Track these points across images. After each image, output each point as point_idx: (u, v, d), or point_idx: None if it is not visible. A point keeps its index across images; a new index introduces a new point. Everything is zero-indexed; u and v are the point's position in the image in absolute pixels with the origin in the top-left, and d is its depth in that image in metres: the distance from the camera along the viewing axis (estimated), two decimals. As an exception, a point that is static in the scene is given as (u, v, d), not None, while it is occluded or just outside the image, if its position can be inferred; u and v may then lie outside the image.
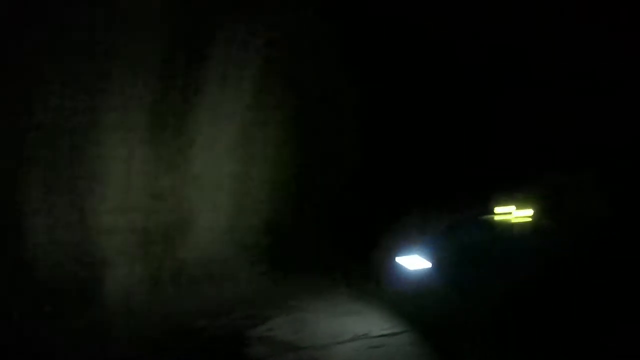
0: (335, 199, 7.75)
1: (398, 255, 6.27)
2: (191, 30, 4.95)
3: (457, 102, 8.39)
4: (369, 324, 5.44)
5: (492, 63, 8.17)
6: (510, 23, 7.60)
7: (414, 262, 6.11)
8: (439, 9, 8.00)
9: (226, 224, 6.17)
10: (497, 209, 7.17)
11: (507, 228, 7.25)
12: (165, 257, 5.13)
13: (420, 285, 6.06)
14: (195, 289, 5.49)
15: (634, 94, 6.49)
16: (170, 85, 4.88)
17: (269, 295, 6.10)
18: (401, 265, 6.22)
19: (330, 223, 7.57)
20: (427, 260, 6.08)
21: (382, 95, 8.19)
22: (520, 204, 7.29)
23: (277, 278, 6.73)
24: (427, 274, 6.09)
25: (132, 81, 4.52)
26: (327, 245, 7.35)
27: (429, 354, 4.91)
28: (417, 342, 5.06)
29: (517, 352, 4.46)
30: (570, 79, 7.22)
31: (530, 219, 7.31)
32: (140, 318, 4.67)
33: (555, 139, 7.34)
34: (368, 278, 6.77)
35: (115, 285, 4.57)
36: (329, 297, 6.20)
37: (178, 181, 5.21)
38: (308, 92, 7.30)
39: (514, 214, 7.26)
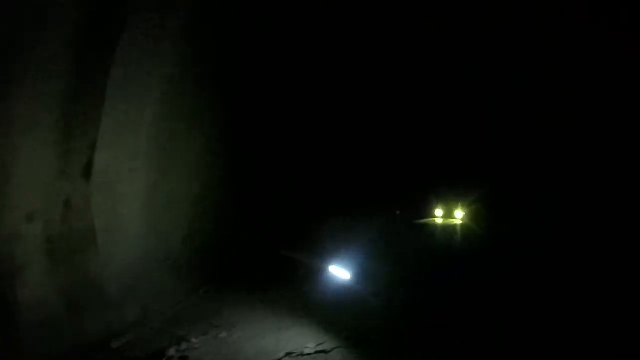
0: (260, 210, 7.65)
1: (327, 265, 6.38)
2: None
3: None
4: (302, 339, 5.13)
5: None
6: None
7: (341, 271, 6.23)
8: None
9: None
10: (428, 214, 7.38)
11: (437, 232, 7.39)
12: (80, 269, 4.85)
13: (347, 294, 6.08)
14: (112, 303, 5.22)
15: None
16: (81, 87, 4.57)
17: (193, 312, 5.89)
18: (330, 275, 6.33)
19: (254, 233, 7.49)
20: (354, 269, 6.20)
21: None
22: (451, 210, 7.51)
23: (201, 293, 6.54)
24: (354, 283, 6.17)
25: (41, 82, 4.21)
26: (252, 255, 7.27)
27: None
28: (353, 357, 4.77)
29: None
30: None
31: (458, 224, 7.51)
32: (52, 333, 4.43)
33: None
34: (296, 290, 6.55)
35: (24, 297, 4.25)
36: (258, 313, 5.88)
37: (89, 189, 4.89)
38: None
39: (444, 218, 7.46)
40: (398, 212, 7.44)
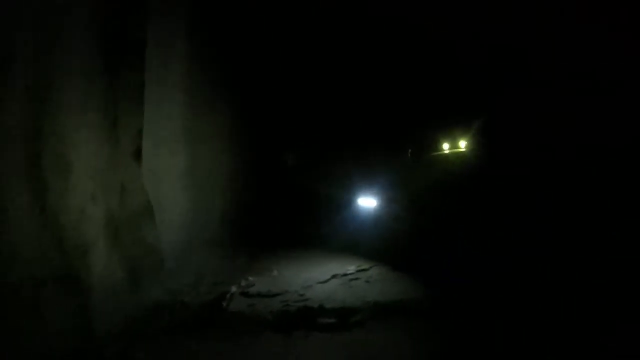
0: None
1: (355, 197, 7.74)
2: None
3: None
4: (344, 266, 6.05)
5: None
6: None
7: (368, 201, 7.68)
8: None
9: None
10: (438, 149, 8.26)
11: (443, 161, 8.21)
12: (139, 242, 5.24)
13: (374, 222, 7.38)
14: (169, 271, 5.62)
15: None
16: (120, 86, 5.05)
17: (240, 274, 6.24)
18: (359, 205, 7.74)
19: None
20: (377, 199, 7.61)
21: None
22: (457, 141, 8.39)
23: (242, 262, 6.92)
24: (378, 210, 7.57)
25: (89, 87, 4.66)
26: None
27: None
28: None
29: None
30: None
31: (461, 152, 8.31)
32: (118, 297, 4.75)
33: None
34: (329, 235, 7.47)
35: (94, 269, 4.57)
36: (301, 261, 6.61)
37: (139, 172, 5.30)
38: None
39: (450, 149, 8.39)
40: (410, 150, 8.32)
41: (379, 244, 6.73)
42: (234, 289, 5.34)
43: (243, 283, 5.54)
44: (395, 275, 5.56)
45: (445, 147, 8.20)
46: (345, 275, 5.63)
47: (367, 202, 7.70)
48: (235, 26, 7.54)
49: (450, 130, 8.30)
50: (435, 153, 8.08)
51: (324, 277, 5.58)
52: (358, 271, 5.74)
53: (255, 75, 8.20)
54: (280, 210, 8.10)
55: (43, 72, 4.11)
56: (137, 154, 5.22)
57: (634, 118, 6.31)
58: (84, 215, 4.50)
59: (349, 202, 7.85)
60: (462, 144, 8.04)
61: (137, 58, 5.24)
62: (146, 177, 5.45)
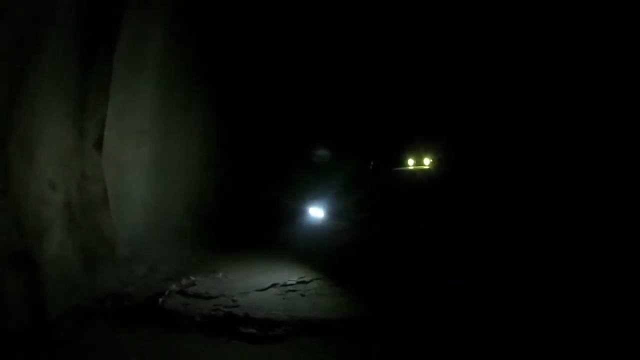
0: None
1: (307, 207, 7.72)
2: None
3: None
4: (287, 276, 5.73)
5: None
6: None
7: (318, 212, 7.73)
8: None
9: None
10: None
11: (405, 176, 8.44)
12: (94, 230, 5.12)
13: (322, 232, 7.32)
14: (123, 261, 5.50)
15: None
16: (89, 76, 4.95)
17: (193, 267, 6.12)
18: (309, 215, 7.73)
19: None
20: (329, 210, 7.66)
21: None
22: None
23: (201, 256, 6.72)
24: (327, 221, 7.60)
25: (57, 74, 4.59)
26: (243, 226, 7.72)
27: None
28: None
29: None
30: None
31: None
32: (71, 284, 4.67)
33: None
34: (282, 243, 7.17)
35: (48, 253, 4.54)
36: (251, 264, 6.33)
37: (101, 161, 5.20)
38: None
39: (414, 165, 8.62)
40: (372, 162, 8.24)
41: (330, 255, 6.36)
42: (173, 286, 5.12)
43: (184, 282, 5.29)
44: (335, 291, 5.12)
45: (410, 162, 8.27)
46: (285, 285, 5.31)
47: (321, 212, 7.58)
48: (216, 22, 7.23)
49: (416, 148, 8.38)
50: (400, 168, 7.99)
51: (264, 286, 5.28)
52: (298, 283, 5.40)
53: (234, 76, 7.89)
54: (243, 212, 7.78)
55: (15, 62, 4.07)
56: (99, 144, 5.16)
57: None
58: (42, 201, 4.50)
59: (308, 211, 7.68)
60: (427, 161, 8.10)
61: (108, 49, 5.13)
62: (110, 167, 5.36)
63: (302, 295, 5.01)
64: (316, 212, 7.57)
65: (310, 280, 5.48)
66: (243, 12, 7.48)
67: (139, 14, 5.67)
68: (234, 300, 4.78)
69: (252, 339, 4.08)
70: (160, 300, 4.76)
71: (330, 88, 8.38)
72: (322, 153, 8.29)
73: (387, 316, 4.37)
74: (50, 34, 4.39)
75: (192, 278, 5.44)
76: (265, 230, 7.47)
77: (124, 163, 5.80)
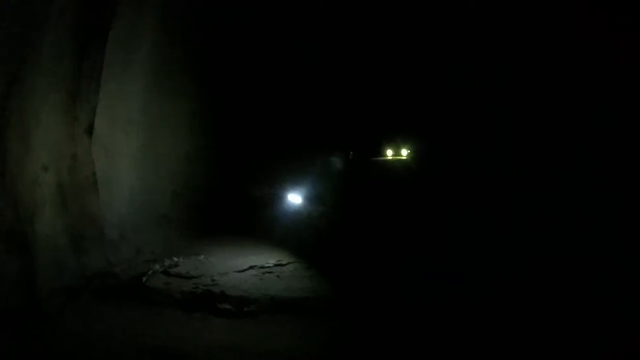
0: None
1: (286, 194, 7.75)
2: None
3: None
4: (265, 259, 6.08)
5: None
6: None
7: (296, 198, 7.68)
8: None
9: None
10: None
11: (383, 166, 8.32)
12: (83, 211, 5.39)
13: (300, 218, 7.32)
14: (110, 242, 5.77)
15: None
16: (83, 67, 5.22)
17: (178, 250, 6.40)
18: (288, 201, 7.72)
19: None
20: (307, 196, 7.58)
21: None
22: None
23: (186, 240, 7.02)
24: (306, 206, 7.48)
25: (53, 64, 4.86)
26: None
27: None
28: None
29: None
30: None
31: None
32: (60, 262, 4.95)
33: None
34: (262, 229, 7.45)
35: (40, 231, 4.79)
36: (233, 248, 6.66)
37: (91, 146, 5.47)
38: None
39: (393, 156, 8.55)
40: (352, 152, 8.28)
41: (307, 239, 6.59)
42: (157, 267, 5.42)
43: (167, 263, 5.59)
44: (309, 273, 5.47)
45: (389, 153, 8.22)
46: (262, 267, 5.64)
47: (300, 199, 7.68)
48: (207, 16, 7.44)
49: (394, 138, 8.29)
50: (378, 158, 8.03)
51: (243, 267, 5.61)
52: (275, 265, 5.73)
53: (224, 69, 8.09)
54: (228, 200, 8.04)
55: (13, 55, 4.29)
56: (90, 130, 5.42)
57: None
58: (36, 183, 4.77)
59: (289, 198, 7.81)
60: (404, 152, 8.04)
61: (100, 42, 5.38)
62: (99, 153, 5.60)
63: (278, 276, 5.35)
64: (296, 199, 7.70)
65: (287, 263, 5.81)
66: (233, 6, 7.62)
67: (131, 6, 5.90)
68: (212, 280, 5.10)
69: (227, 314, 4.40)
70: (144, 279, 5.06)
71: (314, 80, 8.48)
72: (305, 143, 8.33)
73: (355, 296, 4.69)
74: (46, 28, 4.62)
75: (175, 259, 5.74)
76: (249, 217, 7.73)
77: (113, 150, 6.04)
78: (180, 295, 4.74)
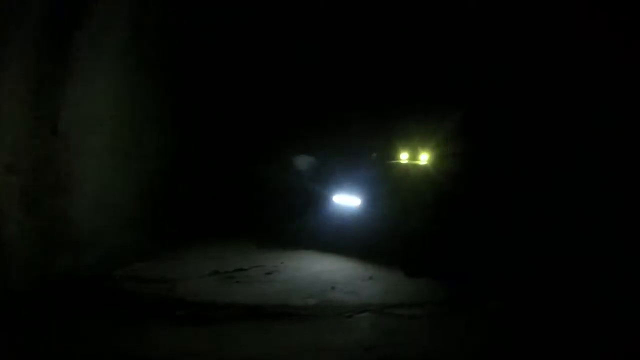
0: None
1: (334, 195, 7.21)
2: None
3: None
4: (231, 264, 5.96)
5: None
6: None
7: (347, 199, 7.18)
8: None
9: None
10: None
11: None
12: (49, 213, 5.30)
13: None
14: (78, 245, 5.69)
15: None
16: (48, 66, 5.12)
17: (150, 254, 6.33)
18: (336, 202, 7.22)
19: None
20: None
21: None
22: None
23: (159, 245, 6.83)
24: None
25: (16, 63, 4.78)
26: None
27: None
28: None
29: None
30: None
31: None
32: (29, 265, 4.94)
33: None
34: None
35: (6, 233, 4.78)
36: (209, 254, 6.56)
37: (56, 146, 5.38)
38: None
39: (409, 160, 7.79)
40: (374, 154, 7.86)
41: (278, 241, 6.62)
42: (119, 272, 5.41)
43: (130, 267, 5.59)
44: (270, 278, 5.50)
45: (404, 157, 7.46)
46: (226, 272, 5.64)
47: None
48: (180, 12, 7.23)
49: (411, 140, 7.43)
50: (394, 161, 7.41)
51: (205, 273, 5.60)
52: (235, 270, 5.72)
53: (206, 67, 7.90)
54: (208, 201, 7.85)
55: None
56: (55, 129, 5.28)
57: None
58: (1, 185, 4.67)
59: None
60: (423, 157, 7.24)
61: (69, 39, 5.27)
62: (66, 153, 5.44)
63: (238, 282, 5.30)
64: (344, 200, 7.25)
65: (249, 268, 5.73)
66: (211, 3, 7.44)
67: (102, 4, 5.72)
68: (173, 285, 5.05)
69: (183, 320, 4.31)
70: (107, 283, 5.08)
71: (314, 80, 8.24)
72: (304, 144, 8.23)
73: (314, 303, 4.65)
74: (11, 23, 4.51)
75: (139, 264, 5.69)
76: (227, 219, 7.58)
77: (80, 150, 5.81)
78: (141, 298, 4.71)
